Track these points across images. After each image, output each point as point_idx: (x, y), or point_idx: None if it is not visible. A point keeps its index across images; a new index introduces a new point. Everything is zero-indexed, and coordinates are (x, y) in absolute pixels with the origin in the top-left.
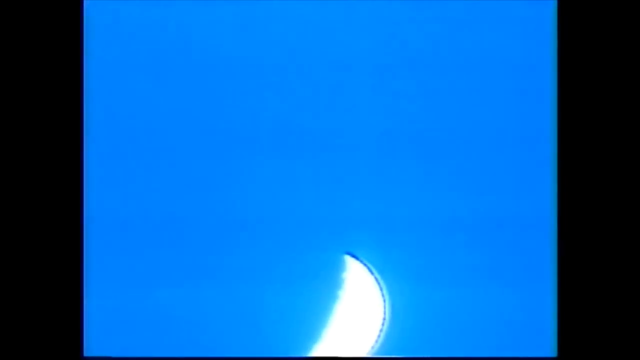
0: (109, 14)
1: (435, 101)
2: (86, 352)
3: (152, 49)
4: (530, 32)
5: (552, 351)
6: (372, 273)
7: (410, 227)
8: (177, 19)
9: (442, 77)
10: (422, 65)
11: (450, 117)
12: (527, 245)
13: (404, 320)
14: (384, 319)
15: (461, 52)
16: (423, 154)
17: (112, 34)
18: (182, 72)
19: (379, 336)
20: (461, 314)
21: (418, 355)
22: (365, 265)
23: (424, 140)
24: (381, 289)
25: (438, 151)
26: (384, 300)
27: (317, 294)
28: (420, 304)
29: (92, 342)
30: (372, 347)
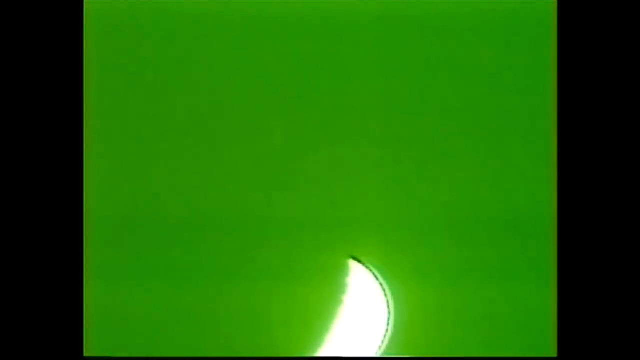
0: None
1: (436, 102)
2: (86, 352)
3: (152, 48)
4: (530, 32)
5: (552, 351)
6: (376, 278)
7: (414, 231)
8: (177, 19)
9: (442, 78)
10: (423, 66)
11: (450, 118)
12: (527, 245)
13: (407, 324)
14: (388, 323)
15: (461, 53)
16: (426, 156)
17: (112, 32)
18: (183, 70)
19: (382, 341)
20: (462, 314)
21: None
22: (369, 269)
23: (426, 141)
24: (385, 294)
25: (440, 153)
26: (388, 305)
27: (320, 298)
28: (422, 306)
29: (92, 342)
30: (376, 352)
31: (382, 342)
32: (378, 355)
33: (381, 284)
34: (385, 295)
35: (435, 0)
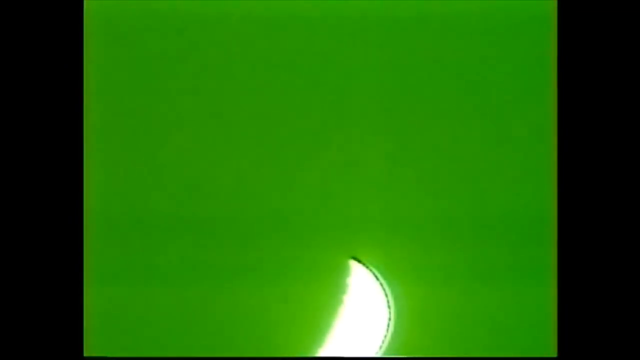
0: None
1: (436, 102)
2: (86, 352)
3: (152, 48)
4: (530, 32)
5: (552, 351)
6: (376, 278)
7: (414, 231)
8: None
9: (442, 79)
10: (422, 66)
11: (450, 119)
12: (527, 246)
13: (407, 324)
14: (388, 323)
15: (461, 53)
16: (426, 157)
17: (113, 32)
18: (184, 70)
19: (382, 341)
20: (461, 314)
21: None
22: (370, 269)
23: (426, 142)
24: (386, 294)
25: (440, 153)
26: (389, 305)
27: (321, 298)
28: (422, 306)
29: (92, 342)
30: (376, 352)
31: (383, 342)
32: (378, 355)
33: (381, 284)
34: (386, 295)
35: (435, 0)
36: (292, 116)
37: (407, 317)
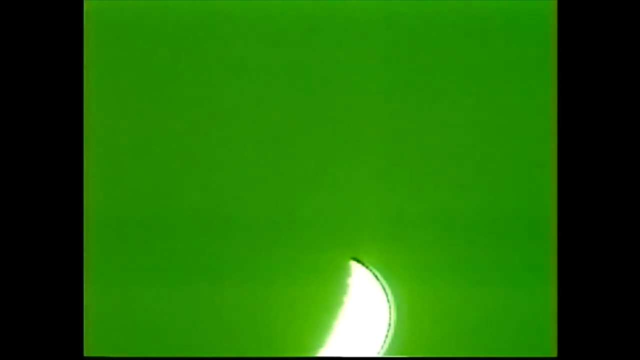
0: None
1: (436, 102)
2: (86, 352)
3: (152, 48)
4: (530, 32)
5: (552, 351)
6: (377, 278)
7: (414, 232)
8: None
9: (442, 79)
10: (423, 66)
11: (450, 119)
12: (527, 245)
13: (408, 325)
14: (389, 324)
15: (461, 53)
16: (426, 157)
17: (112, 32)
18: (184, 70)
19: (383, 342)
20: (462, 314)
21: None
22: (370, 270)
23: (427, 142)
24: (386, 294)
25: (441, 153)
26: (389, 306)
27: (321, 298)
28: (423, 307)
29: (92, 342)
30: (377, 352)
31: (383, 342)
32: (379, 355)
33: (382, 285)
34: (386, 295)
35: (435, 0)
36: (292, 117)
37: (407, 317)
